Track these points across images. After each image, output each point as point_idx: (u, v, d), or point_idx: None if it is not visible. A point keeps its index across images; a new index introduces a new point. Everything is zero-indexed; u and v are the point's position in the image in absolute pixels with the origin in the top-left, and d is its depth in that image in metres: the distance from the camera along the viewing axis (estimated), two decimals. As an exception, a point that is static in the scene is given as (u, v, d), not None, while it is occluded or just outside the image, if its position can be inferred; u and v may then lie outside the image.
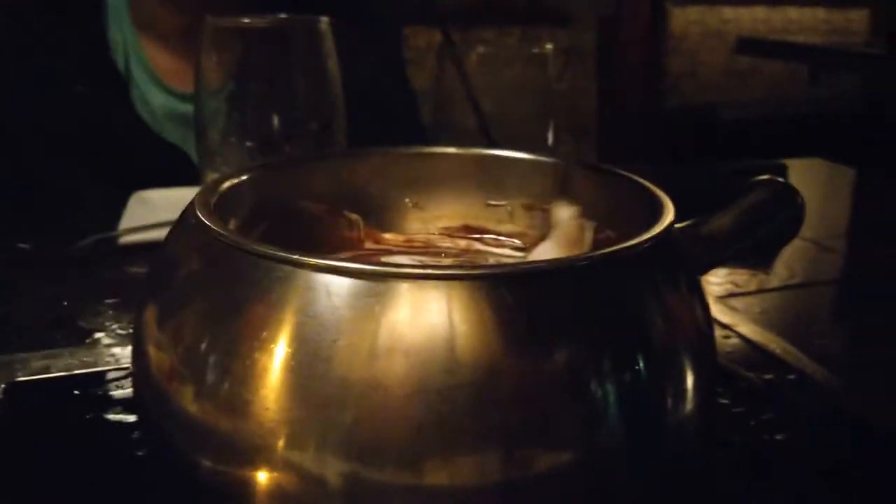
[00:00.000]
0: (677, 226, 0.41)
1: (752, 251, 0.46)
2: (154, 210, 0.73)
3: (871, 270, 0.71)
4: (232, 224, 0.35)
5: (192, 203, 0.33)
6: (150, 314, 0.32)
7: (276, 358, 0.27)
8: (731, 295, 0.61)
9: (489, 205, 0.45)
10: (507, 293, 0.27)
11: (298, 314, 0.27)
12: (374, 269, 0.27)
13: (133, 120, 0.86)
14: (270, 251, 0.28)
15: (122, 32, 0.88)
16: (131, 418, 0.41)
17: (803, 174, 1.00)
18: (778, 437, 0.42)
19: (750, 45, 2.20)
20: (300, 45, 0.57)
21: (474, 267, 0.30)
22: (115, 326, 0.54)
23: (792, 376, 0.49)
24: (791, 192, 0.48)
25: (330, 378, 0.26)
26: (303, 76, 0.58)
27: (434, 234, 0.42)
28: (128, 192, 0.76)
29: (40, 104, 0.83)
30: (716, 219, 0.44)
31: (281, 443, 0.27)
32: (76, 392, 0.44)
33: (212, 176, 0.57)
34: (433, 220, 0.45)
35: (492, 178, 0.44)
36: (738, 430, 0.42)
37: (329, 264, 0.27)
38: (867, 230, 0.85)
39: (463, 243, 0.41)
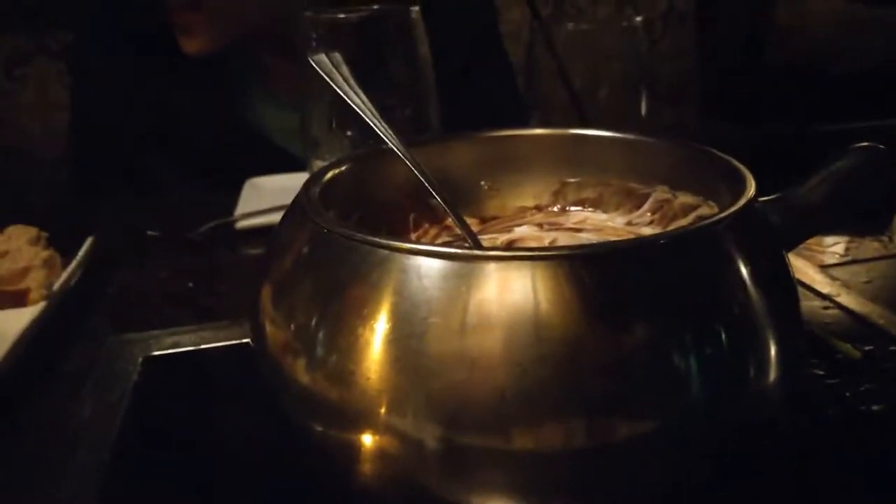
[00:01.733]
0: (763, 199, 0.42)
1: (848, 219, 0.46)
2: (265, 195, 0.78)
3: None
4: (333, 211, 0.38)
5: (298, 194, 0.36)
6: (265, 294, 0.36)
7: (376, 333, 0.30)
8: (838, 264, 0.60)
9: (565, 182, 0.46)
10: (587, 271, 0.28)
11: (394, 294, 0.30)
12: (460, 252, 0.29)
13: (247, 130, 0.93)
14: (368, 238, 0.31)
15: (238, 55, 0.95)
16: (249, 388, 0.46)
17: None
18: (874, 407, 0.42)
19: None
20: (393, 35, 0.60)
21: (556, 248, 0.32)
22: (233, 304, 0.58)
23: (893, 347, 0.48)
24: (886, 157, 0.47)
25: (423, 352, 0.29)
26: (397, 64, 0.60)
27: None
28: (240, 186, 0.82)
29: (166, 119, 0.91)
30: (806, 189, 0.44)
31: (381, 409, 0.30)
32: (203, 365, 0.49)
33: (317, 165, 0.61)
34: (509, 201, 0.47)
35: (570, 157, 0.46)
36: (833, 400, 0.43)
37: (419, 248, 0.30)
38: None
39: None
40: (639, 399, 0.29)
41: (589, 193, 0.46)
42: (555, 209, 0.47)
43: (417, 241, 0.30)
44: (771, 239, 0.35)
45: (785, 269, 0.35)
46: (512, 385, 0.28)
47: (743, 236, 0.32)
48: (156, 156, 0.91)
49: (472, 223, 0.46)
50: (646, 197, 0.44)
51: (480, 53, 0.99)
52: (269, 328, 0.35)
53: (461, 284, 0.29)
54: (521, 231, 0.44)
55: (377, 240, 0.31)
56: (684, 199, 0.42)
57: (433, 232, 0.45)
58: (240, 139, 0.95)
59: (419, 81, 0.61)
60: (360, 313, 0.30)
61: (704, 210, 0.40)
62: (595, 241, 0.37)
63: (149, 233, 0.70)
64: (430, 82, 0.61)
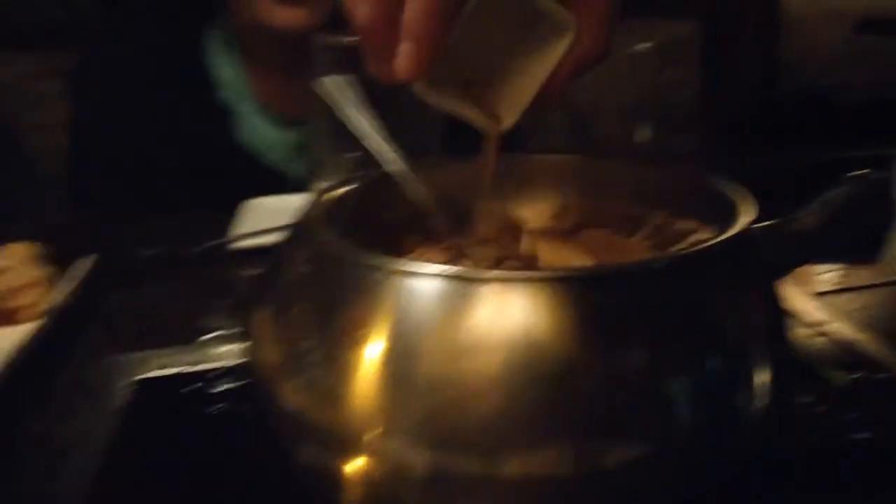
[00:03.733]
0: (758, 225, 0.41)
1: (842, 248, 0.45)
2: (261, 216, 0.78)
3: None
4: (334, 232, 0.38)
5: (300, 214, 0.36)
6: (263, 313, 0.36)
7: (370, 355, 0.30)
8: (830, 292, 0.60)
9: (565, 205, 0.46)
10: (578, 295, 0.28)
11: (388, 315, 0.30)
12: (454, 273, 0.29)
13: (237, 149, 0.94)
14: (365, 258, 0.31)
15: (229, 68, 0.95)
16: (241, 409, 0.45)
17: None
18: (861, 436, 0.41)
19: (872, 25, 2.08)
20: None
21: (549, 271, 0.32)
22: (228, 325, 0.58)
23: (882, 375, 0.47)
24: (882, 186, 0.47)
25: (416, 374, 0.29)
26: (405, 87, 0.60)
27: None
28: (233, 208, 0.82)
29: (153, 137, 0.92)
30: (802, 216, 0.44)
31: (374, 432, 0.29)
32: (196, 386, 0.49)
33: (320, 185, 0.61)
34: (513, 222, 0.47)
35: (570, 181, 0.46)
36: (819, 428, 0.42)
37: (414, 270, 0.30)
38: None
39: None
40: (629, 424, 0.28)
41: (588, 217, 0.46)
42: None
43: (413, 262, 0.30)
44: (762, 266, 0.35)
45: (774, 296, 0.34)
46: (504, 410, 0.28)
47: (734, 263, 0.32)
48: (154, 177, 0.91)
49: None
50: (643, 221, 0.44)
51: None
52: (264, 347, 0.35)
53: (455, 306, 0.29)
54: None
55: (373, 260, 0.31)
56: (682, 224, 0.41)
57: (431, 255, 0.44)
58: (235, 160, 0.96)
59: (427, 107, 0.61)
60: (356, 334, 0.30)
61: (701, 235, 0.40)
62: (587, 266, 0.36)
63: (145, 253, 0.70)
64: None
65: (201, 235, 0.73)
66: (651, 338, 0.29)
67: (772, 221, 0.43)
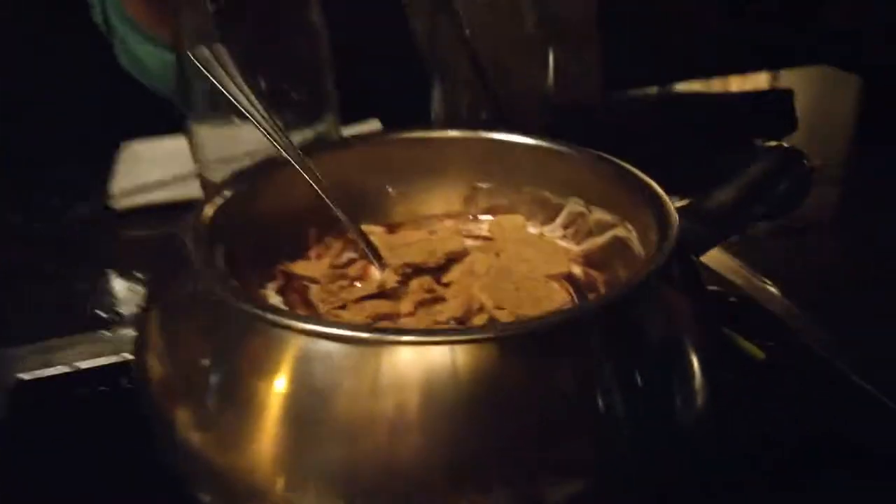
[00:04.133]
0: (678, 205, 0.40)
1: (759, 222, 0.45)
2: (144, 164, 0.72)
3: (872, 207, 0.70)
4: (221, 249, 0.34)
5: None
6: (152, 332, 0.32)
7: (269, 418, 0.27)
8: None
9: (476, 188, 0.44)
10: (483, 357, 0.26)
11: (288, 376, 0.27)
12: (353, 335, 0.26)
13: (117, 73, 0.84)
14: (264, 313, 0.28)
15: None
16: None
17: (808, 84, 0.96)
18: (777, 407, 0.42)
19: None
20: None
21: (456, 332, 0.29)
22: (120, 305, 0.53)
23: (794, 342, 0.48)
24: (796, 159, 0.46)
25: (320, 441, 0.26)
26: (287, 36, 0.55)
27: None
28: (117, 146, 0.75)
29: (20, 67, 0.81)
30: (717, 193, 0.43)
31: (277, 482, 0.27)
32: (87, 388, 0.44)
33: (197, 129, 0.55)
34: (417, 208, 0.44)
35: (481, 162, 0.43)
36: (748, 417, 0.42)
37: (317, 329, 0.27)
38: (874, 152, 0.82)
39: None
40: (558, 464, 0.27)
41: (501, 200, 0.44)
42: (467, 217, 0.44)
43: (313, 318, 0.27)
44: (696, 280, 0.34)
45: (712, 312, 0.34)
46: (414, 470, 0.26)
47: (668, 293, 0.30)
48: (21, 118, 0.81)
49: (378, 232, 0.43)
50: (559, 208, 0.42)
51: (377, 21, 0.93)
52: (154, 372, 0.32)
53: (358, 368, 0.26)
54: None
55: (273, 316, 0.27)
56: (600, 215, 0.40)
57: (337, 246, 0.41)
58: (115, 90, 0.86)
59: (313, 55, 0.56)
60: (253, 395, 0.27)
61: (621, 231, 0.38)
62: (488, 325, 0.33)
63: (9, 216, 0.63)
64: (325, 56, 0.56)
65: (79, 195, 0.66)
66: (557, 396, 0.27)
67: (688, 200, 0.42)
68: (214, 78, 0.39)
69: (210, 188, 0.39)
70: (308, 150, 0.40)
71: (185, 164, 0.55)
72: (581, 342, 0.27)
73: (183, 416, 0.30)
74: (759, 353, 0.46)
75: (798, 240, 0.61)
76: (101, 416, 0.42)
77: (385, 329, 0.28)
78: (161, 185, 0.67)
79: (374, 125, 0.80)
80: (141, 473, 0.37)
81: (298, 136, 0.51)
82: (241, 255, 0.37)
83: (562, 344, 0.27)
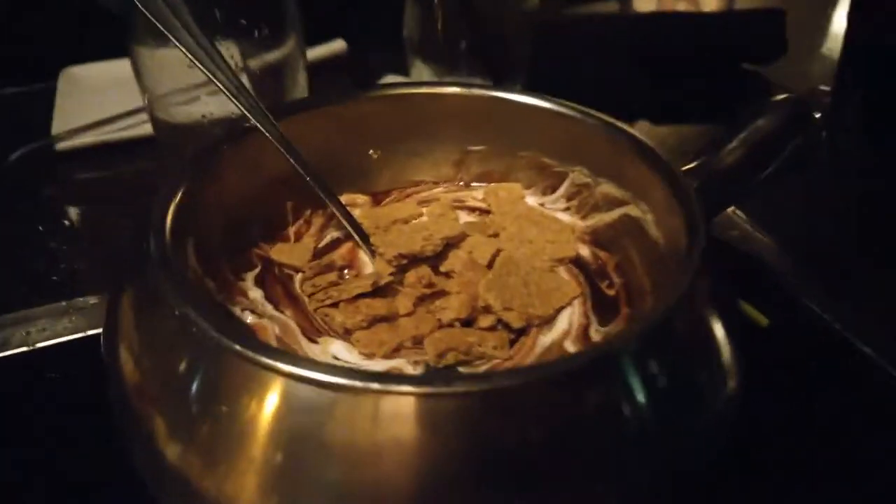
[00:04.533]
0: (687, 167, 0.37)
1: (770, 180, 0.43)
2: (89, 95, 0.65)
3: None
4: (190, 242, 0.30)
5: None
6: (125, 346, 0.29)
7: (252, 445, 0.24)
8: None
9: (468, 151, 0.40)
10: (485, 410, 0.23)
11: (266, 416, 0.24)
12: (334, 382, 0.23)
13: None
14: (243, 349, 0.24)
15: None
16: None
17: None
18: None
19: None
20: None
21: (445, 383, 0.25)
22: (71, 267, 0.49)
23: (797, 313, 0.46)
24: (806, 109, 0.43)
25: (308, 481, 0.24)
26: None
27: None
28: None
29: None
30: (726, 153, 0.40)
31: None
32: (43, 371, 0.41)
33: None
34: (404, 173, 0.40)
35: (475, 123, 0.39)
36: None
37: (300, 374, 0.23)
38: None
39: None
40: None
41: (495, 166, 0.40)
42: (458, 184, 0.40)
43: (293, 359, 0.24)
44: (717, 264, 0.30)
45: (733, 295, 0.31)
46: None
47: (696, 307, 0.27)
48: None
49: (362, 203, 0.39)
50: (561, 177, 0.38)
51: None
52: (128, 369, 0.28)
53: (348, 415, 0.23)
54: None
55: (251, 354, 0.24)
56: (608, 188, 0.36)
57: (318, 222, 0.37)
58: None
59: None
60: (230, 431, 0.24)
61: (633, 211, 0.35)
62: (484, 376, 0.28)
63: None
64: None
65: (14, 134, 0.60)
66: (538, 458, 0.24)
67: (697, 162, 0.39)
68: (166, 28, 0.33)
69: (164, 135, 0.34)
70: (279, 111, 0.35)
71: (135, 94, 0.50)
72: (596, 385, 0.24)
73: (159, 425, 0.26)
74: (763, 320, 0.44)
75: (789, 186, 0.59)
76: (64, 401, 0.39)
77: (380, 376, 0.25)
78: (102, 126, 0.61)
79: (339, 46, 0.74)
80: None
81: (258, 62, 0.46)
82: (213, 242, 0.33)
83: (582, 383, 0.24)
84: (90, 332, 0.42)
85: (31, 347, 0.42)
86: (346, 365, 0.30)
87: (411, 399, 0.23)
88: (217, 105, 0.44)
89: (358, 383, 0.23)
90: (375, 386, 0.23)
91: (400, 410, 0.23)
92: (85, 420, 0.34)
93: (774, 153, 0.42)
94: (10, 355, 0.42)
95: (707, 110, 0.68)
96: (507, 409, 0.23)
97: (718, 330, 0.28)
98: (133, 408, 0.28)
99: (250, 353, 0.24)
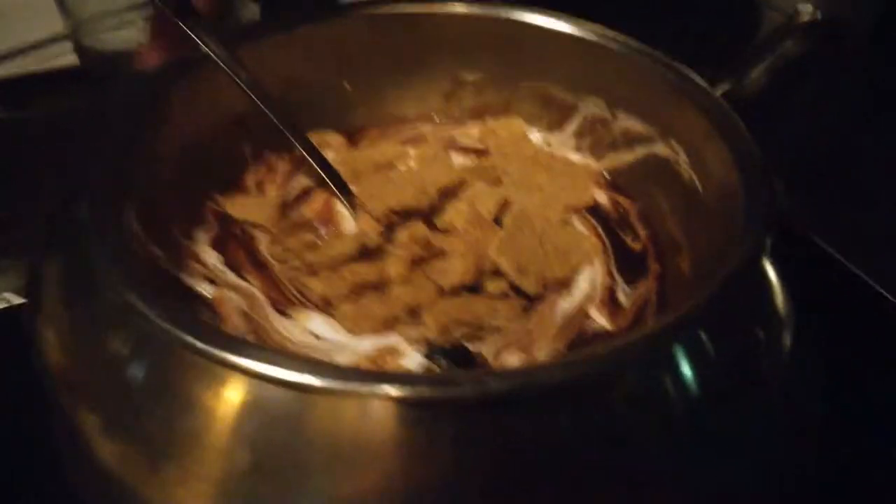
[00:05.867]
0: (720, 92, 0.31)
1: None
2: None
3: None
4: (132, 203, 0.24)
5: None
6: (49, 326, 0.23)
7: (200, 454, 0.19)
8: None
9: (460, 82, 0.34)
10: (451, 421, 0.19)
11: (227, 418, 0.19)
12: (308, 384, 0.18)
13: None
14: (198, 343, 0.19)
15: None
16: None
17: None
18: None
19: None
20: None
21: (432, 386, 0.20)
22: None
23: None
24: (835, 30, 0.39)
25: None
26: None
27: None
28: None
29: None
30: (752, 79, 0.35)
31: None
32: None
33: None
34: (383, 108, 0.34)
35: (467, 47, 0.32)
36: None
37: (267, 373, 0.18)
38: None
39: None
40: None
41: (492, 98, 0.34)
42: (448, 120, 0.34)
43: (263, 352, 0.19)
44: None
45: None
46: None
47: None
48: None
49: (336, 144, 0.33)
50: (570, 110, 0.33)
51: None
52: (53, 355, 0.23)
53: (316, 419, 0.19)
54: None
55: (205, 347, 0.19)
56: (628, 123, 0.31)
57: (282, 169, 0.31)
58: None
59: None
60: (180, 427, 0.20)
61: (661, 149, 0.29)
62: (497, 372, 0.23)
63: None
64: None
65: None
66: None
67: (725, 87, 0.33)
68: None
69: (97, 72, 0.28)
70: (237, 37, 0.29)
71: (49, 19, 0.42)
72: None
73: (91, 421, 0.21)
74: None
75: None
76: None
77: (363, 372, 0.20)
78: (19, 52, 0.53)
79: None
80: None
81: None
82: (159, 199, 0.27)
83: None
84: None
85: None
86: (324, 357, 0.24)
87: (418, 403, 0.18)
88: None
89: (339, 384, 0.18)
90: (362, 388, 0.18)
91: (389, 416, 0.18)
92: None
93: (802, 80, 0.37)
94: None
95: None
96: (540, 414, 0.19)
97: (784, 304, 0.23)
98: (59, 399, 0.22)
99: (207, 348, 0.19)
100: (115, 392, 0.21)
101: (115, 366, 0.21)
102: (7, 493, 0.28)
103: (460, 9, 0.32)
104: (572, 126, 0.33)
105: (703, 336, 0.20)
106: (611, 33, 0.30)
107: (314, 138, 0.31)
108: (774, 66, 0.36)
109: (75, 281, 0.23)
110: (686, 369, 0.20)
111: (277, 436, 0.19)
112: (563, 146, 0.33)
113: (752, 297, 0.22)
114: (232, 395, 0.19)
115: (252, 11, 0.40)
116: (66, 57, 0.49)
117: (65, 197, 0.24)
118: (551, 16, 0.31)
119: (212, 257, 0.27)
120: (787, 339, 0.22)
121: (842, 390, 0.27)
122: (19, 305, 0.34)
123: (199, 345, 0.19)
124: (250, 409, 0.19)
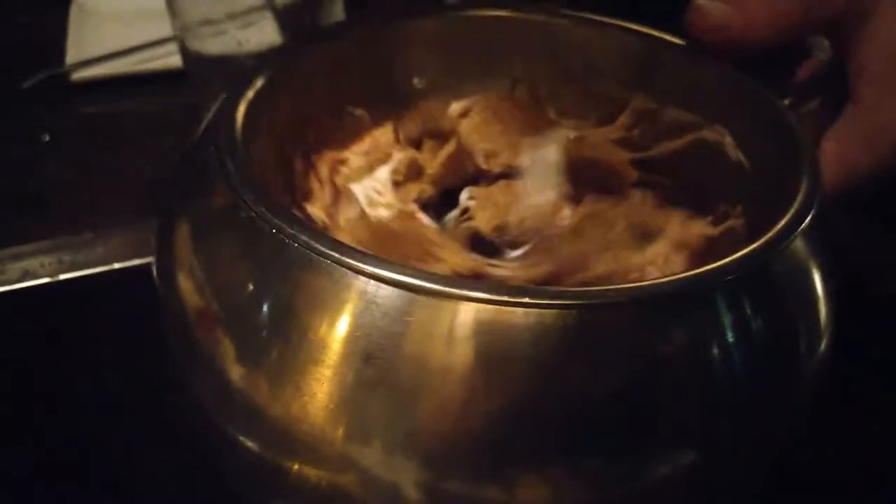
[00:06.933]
0: (787, 102, 0.32)
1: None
2: (105, 23, 0.62)
3: None
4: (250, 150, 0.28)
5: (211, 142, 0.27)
6: (183, 272, 0.27)
7: (328, 360, 0.23)
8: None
9: (516, 80, 0.37)
10: (559, 324, 0.22)
11: (349, 318, 0.23)
12: (420, 286, 0.22)
13: None
14: (322, 248, 0.23)
15: None
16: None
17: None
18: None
19: None
20: None
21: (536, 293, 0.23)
22: (81, 200, 0.46)
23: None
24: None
25: (387, 392, 0.22)
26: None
27: None
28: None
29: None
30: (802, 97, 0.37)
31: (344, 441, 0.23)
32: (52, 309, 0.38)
33: None
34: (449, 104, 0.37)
35: (526, 47, 0.36)
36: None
37: (382, 274, 0.22)
38: None
39: None
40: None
41: (542, 93, 0.37)
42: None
43: (380, 263, 0.22)
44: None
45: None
46: (475, 433, 0.22)
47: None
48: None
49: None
50: (619, 104, 0.36)
51: None
52: (187, 296, 0.26)
53: (419, 320, 0.22)
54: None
55: (335, 255, 0.22)
56: (675, 113, 0.34)
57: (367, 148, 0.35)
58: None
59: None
60: (309, 333, 0.23)
61: (708, 135, 0.32)
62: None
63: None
64: None
65: (26, 62, 0.57)
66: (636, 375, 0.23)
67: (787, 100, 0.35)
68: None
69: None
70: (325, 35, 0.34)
71: (158, 24, 0.47)
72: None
73: (224, 349, 0.25)
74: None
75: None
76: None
77: (465, 282, 0.23)
78: (118, 57, 0.58)
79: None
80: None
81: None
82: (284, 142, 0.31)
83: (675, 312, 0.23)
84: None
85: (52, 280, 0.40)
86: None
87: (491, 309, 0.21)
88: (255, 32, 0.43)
89: (441, 287, 0.21)
90: (470, 293, 0.21)
91: (489, 319, 0.21)
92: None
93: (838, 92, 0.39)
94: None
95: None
96: (594, 333, 0.22)
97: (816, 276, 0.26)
98: (194, 336, 0.26)
99: (340, 255, 0.22)
100: (245, 319, 0.24)
101: (244, 293, 0.24)
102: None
103: (528, 18, 0.36)
104: (622, 120, 0.35)
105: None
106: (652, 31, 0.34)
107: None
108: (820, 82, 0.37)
109: (205, 225, 0.27)
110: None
111: (389, 342, 0.22)
112: (613, 139, 0.35)
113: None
114: (351, 302, 0.22)
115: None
116: (167, 60, 0.54)
117: (188, 155, 0.28)
118: (600, 18, 0.35)
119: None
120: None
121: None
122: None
123: (335, 254, 0.22)
124: (367, 314, 0.22)
